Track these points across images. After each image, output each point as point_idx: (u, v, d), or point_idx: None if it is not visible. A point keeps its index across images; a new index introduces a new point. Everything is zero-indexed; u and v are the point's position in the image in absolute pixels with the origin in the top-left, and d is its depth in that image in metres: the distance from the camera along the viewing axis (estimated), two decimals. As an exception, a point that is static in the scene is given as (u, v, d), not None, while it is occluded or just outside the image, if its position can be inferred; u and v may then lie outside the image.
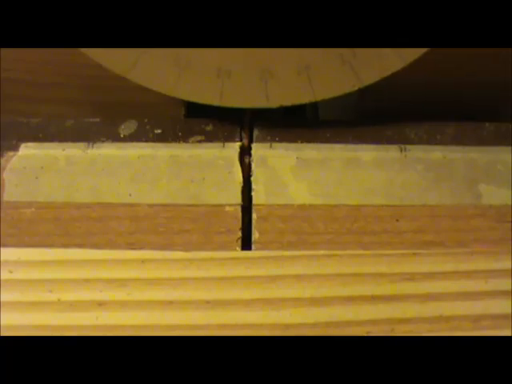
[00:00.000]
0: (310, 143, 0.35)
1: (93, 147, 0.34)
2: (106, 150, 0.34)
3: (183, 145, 0.35)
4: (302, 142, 0.35)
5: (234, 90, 0.33)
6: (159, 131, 0.35)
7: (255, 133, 0.35)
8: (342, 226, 0.33)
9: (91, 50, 0.32)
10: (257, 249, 0.33)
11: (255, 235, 0.33)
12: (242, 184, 0.34)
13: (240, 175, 0.34)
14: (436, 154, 0.34)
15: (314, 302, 0.31)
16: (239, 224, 0.33)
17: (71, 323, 0.30)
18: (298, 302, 0.31)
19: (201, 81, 0.33)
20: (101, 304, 0.31)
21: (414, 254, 0.32)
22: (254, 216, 0.33)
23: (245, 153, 0.34)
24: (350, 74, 0.32)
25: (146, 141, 0.35)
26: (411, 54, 0.32)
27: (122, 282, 0.31)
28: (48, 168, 0.34)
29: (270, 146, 0.34)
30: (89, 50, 0.32)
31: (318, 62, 0.32)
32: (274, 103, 0.33)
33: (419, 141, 0.35)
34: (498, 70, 0.37)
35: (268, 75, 0.32)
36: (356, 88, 0.33)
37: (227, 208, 0.33)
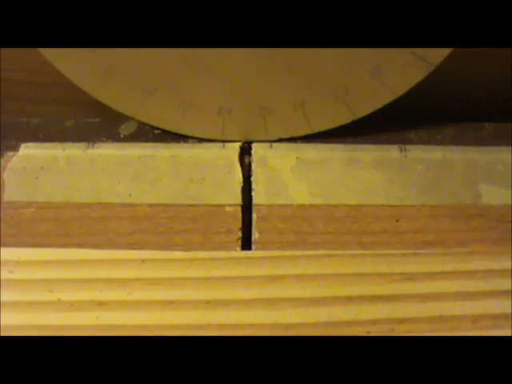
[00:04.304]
0: (310, 143, 0.35)
1: (93, 147, 0.34)
2: (106, 150, 0.34)
3: (183, 145, 0.35)
4: (301, 142, 0.35)
5: (235, 126, 0.34)
6: (159, 131, 0.35)
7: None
8: (342, 226, 0.33)
9: (99, 92, 0.34)
10: (257, 249, 0.33)
11: (255, 235, 0.33)
12: (241, 184, 0.34)
13: (240, 175, 0.34)
14: (436, 154, 0.34)
15: (314, 302, 0.31)
16: (239, 224, 0.33)
17: (71, 323, 0.30)
18: (298, 301, 0.31)
19: (203, 119, 0.34)
20: (101, 304, 0.31)
21: (414, 253, 0.32)
22: (254, 216, 0.33)
23: (245, 153, 0.35)
24: (344, 108, 0.34)
25: (146, 141, 0.35)
26: (402, 87, 0.33)
27: (121, 282, 0.31)
28: (48, 168, 0.34)
29: (270, 146, 0.34)
30: (97, 92, 0.34)
31: (313, 98, 0.34)
32: (272, 136, 0.35)
33: (419, 141, 0.35)
34: (498, 70, 0.37)
35: (266, 112, 0.34)
36: (350, 120, 0.34)
37: (227, 208, 0.33)
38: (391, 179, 0.34)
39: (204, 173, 0.34)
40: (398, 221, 0.33)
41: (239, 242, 0.33)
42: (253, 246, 0.33)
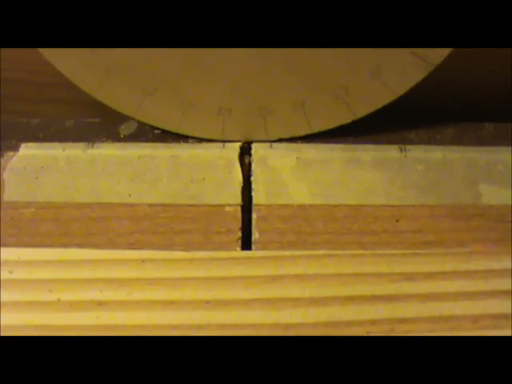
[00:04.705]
0: (310, 143, 0.35)
1: (93, 147, 0.34)
2: (106, 150, 0.34)
3: (183, 145, 0.35)
4: (302, 142, 0.35)
5: (235, 126, 0.34)
6: (159, 131, 0.35)
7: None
8: (342, 226, 0.33)
9: (99, 92, 0.34)
10: (257, 249, 0.33)
11: (255, 235, 0.33)
12: (241, 184, 0.34)
13: (240, 175, 0.34)
14: (436, 154, 0.34)
15: (314, 302, 0.31)
16: (239, 224, 0.33)
17: (71, 323, 0.30)
18: (298, 301, 0.31)
19: (203, 119, 0.34)
20: (101, 304, 0.31)
21: (414, 253, 0.32)
22: (254, 216, 0.33)
23: (245, 153, 0.35)
24: (344, 108, 0.34)
25: (146, 141, 0.35)
26: (402, 87, 0.33)
27: (121, 282, 0.31)
28: (48, 168, 0.34)
29: (270, 146, 0.34)
30: (97, 92, 0.34)
31: (313, 98, 0.34)
32: (272, 136, 0.35)
33: (419, 141, 0.35)
34: (498, 70, 0.37)
35: (266, 112, 0.34)
36: (350, 120, 0.34)
37: (227, 208, 0.33)
38: (391, 179, 0.34)
39: (204, 173, 0.34)
40: (397, 221, 0.33)
41: (239, 242, 0.33)
42: (253, 246, 0.33)
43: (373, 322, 0.30)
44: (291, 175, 0.34)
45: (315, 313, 0.31)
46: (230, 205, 0.33)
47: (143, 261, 0.32)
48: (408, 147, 0.34)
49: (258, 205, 0.34)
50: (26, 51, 0.36)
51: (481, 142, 0.35)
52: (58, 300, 0.31)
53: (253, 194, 0.34)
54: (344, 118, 0.34)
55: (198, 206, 0.33)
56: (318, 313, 0.31)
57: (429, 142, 0.35)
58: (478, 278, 0.31)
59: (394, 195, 0.34)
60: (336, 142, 0.35)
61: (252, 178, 0.34)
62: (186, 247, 0.32)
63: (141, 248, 0.32)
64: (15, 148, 0.34)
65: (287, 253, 0.32)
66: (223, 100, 0.34)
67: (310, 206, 0.33)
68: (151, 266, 0.32)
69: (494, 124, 0.36)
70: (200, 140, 0.35)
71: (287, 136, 0.35)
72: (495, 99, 0.37)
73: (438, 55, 0.32)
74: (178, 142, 0.35)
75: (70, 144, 0.35)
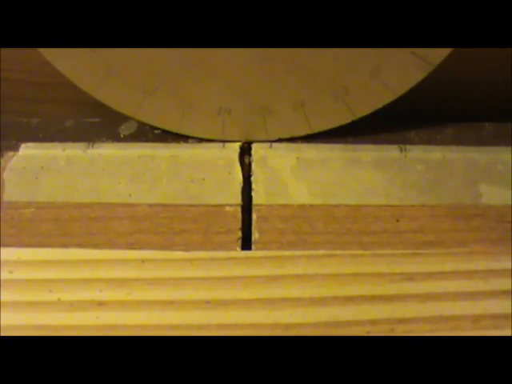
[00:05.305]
0: (310, 143, 0.35)
1: (93, 147, 0.34)
2: (106, 150, 0.34)
3: (183, 145, 0.35)
4: (302, 142, 0.35)
5: (235, 126, 0.34)
6: (159, 131, 0.35)
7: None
8: (342, 226, 0.33)
9: (99, 92, 0.34)
10: (257, 249, 0.33)
11: (255, 235, 0.33)
12: (241, 184, 0.34)
13: (240, 175, 0.34)
14: (436, 154, 0.34)
15: (314, 302, 0.31)
16: (239, 224, 0.33)
17: (71, 323, 0.30)
18: (298, 301, 0.31)
19: (203, 119, 0.34)
20: (101, 304, 0.31)
21: (414, 254, 0.32)
22: (254, 216, 0.33)
23: (245, 153, 0.35)
24: (344, 108, 0.34)
25: (146, 141, 0.35)
26: (402, 87, 0.33)
27: (121, 282, 0.31)
28: (48, 168, 0.34)
29: (270, 146, 0.34)
30: (97, 92, 0.34)
31: (313, 98, 0.34)
32: (272, 136, 0.35)
33: (419, 141, 0.35)
34: (498, 70, 0.37)
35: (266, 112, 0.34)
36: (350, 120, 0.34)
37: (227, 208, 0.33)
38: (391, 179, 0.34)
39: (204, 173, 0.34)
40: (398, 221, 0.33)
41: (239, 242, 0.33)
42: (253, 246, 0.33)
43: (373, 322, 0.30)
44: (291, 175, 0.34)
45: (315, 313, 0.31)
46: (230, 205, 0.33)
47: (143, 261, 0.32)
48: (408, 147, 0.34)
49: (257, 205, 0.34)
50: (26, 51, 0.36)
51: (481, 142, 0.35)
52: (58, 300, 0.31)
53: (253, 194, 0.34)
54: (344, 118, 0.34)
55: (198, 206, 0.33)
56: (318, 313, 0.31)
57: (429, 142, 0.35)
58: (477, 278, 0.31)
59: (394, 195, 0.34)
60: (336, 142, 0.35)
61: (252, 178, 0.34)
62: (186, 247, 0.32)
63: (141, 248, 0.32)
64: (15, 148, 0.34)
65: (287, 253, 0.32)
66: (223, 100, 0.34)
67: (310, 206, 0.33)
68: (151, 266, 0.32)
69: (493, 124, 0.36)
70: (200, 140, 0.35)
71: (287, 136, 0.35)
72: (495, 99, 0.37)
73: (438, 55, 0.32)
74: (178, 141, 0.35)
75: (69, 144, 0.35)
